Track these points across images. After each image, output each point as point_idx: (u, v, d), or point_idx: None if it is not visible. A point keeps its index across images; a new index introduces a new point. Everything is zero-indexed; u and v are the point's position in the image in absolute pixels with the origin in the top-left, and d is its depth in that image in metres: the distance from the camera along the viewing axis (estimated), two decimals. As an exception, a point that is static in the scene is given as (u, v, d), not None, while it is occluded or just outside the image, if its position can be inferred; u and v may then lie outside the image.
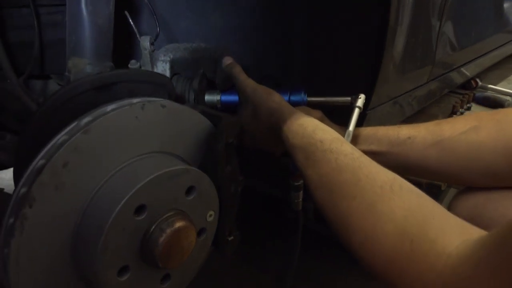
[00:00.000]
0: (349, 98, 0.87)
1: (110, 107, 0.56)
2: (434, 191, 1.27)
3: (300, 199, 0.93)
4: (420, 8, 1.01)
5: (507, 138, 0.73)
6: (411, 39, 0.99)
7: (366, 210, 0.55)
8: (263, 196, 1.41)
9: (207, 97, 0.88)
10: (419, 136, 0.80)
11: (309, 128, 0.71)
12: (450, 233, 0.48)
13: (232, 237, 0.79)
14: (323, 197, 0.63)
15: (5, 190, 0.81)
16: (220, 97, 0.88)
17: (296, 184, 0.90)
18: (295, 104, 0.90)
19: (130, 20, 0.84)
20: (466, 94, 1.78)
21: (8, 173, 0.71)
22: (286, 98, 0.90)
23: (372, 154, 0.84)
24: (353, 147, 0.66)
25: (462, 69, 1.60)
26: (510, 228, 0.40)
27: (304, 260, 1.06)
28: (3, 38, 0.81)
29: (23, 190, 0.50)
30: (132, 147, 0.59)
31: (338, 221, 0.59)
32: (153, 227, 0.58)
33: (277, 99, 0.79)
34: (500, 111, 0.80)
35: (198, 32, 1.06)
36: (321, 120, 0.87)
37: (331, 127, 0.85)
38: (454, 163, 0.78)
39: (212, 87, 0.90)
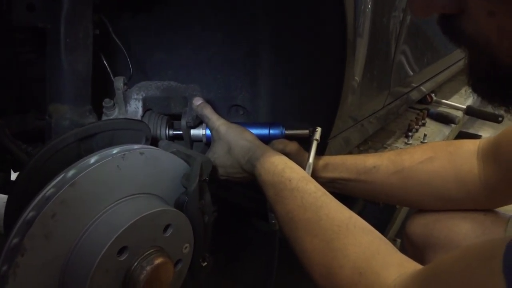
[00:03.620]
0: (307, 131, 0.95)
1: (93, 159, 0.62)
2: (389, 209, 1.38)
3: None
4: (375, 42, 1.10)
5: (457, 168, 0.85)
6: (367, 73, 1.09)
7: (325, 246, 0.64)
8: (236, 207, 1.45)
9: (193, 132, 0.94)
10: (382, 165, 0.91)
11: (279, 166, 0.79)
12: (391, 267, 0.57)
13: (205, 263, 0.86)
14: (289, 231, 0.72)
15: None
16: (206, 132, 0.94)
17: None
18: (274, 137, 0.98)
19: (105, 62, 0.89)
20: (421, 111, 1.92)
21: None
22: (266, 131, 0.97)
23: (342, 181, 0.95)
24: (317, 185, 0.75)
25: (417, 88, 1.72)
26: (434, 269, 0.49)
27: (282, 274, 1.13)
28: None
29: (15, 240, 0.56)
30: (114, 193, 0.64)
31: (302, 254, 0.68)
32: (135, 265, 0.64)
33: (250, 137, 0.87)
34: (452, 143, 0.91)
35: (170, 64, 1.11)
36: (297, 152, 0.96)
37: (305, 157, 0.94)
38: (413, 188, 0.89)
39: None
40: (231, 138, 0.87)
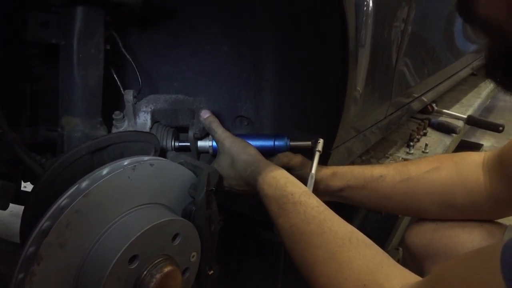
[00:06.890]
0: (309, 143, 0.97)
1: (105, 170, 0.64)
2: (391, 218, 1.40)
3: None
4: (376, 53, 1.12)
5: (463, 178, 0.87)
6: (369, 84, 1.11)
7: (329, 258, 0.66)
8: (242, 217, 1.46)
9: (200, 143, 0.97)
10: (389, 174, 0.94)
11: (281, 180, 0.81)
12: (394, 278, 0.59)
13: (212, 271, 0.87)
14: (292, 244, 0.74)
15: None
16: (213, 144, 0.97)
17: None
18: (279, 149, 1.00)
19: (115, 76, 0.91)
20: (422, 121, 1.94)
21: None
22: (271, 143, 0.99)
23: (350, 189, 0.97)
24: (318, 200, 0.77)
25: (418, 99, 1.75)
26: (436, 277, 0.51)
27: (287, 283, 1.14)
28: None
29: (31, 249, 0.58)
30: (125, 203, 0.67)
31: (305, 266, 0.70)
32: (144, 273, 0.66)
33: (252, 152, 0.90)
34: (458, 154, 0.94)
35: (176, 77, 1.14)
36: (302, 164, 0.98)
37: (308, 169, 0.96)
38: (419, 197, 0.92)
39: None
40: (234, 152, 0.90)
